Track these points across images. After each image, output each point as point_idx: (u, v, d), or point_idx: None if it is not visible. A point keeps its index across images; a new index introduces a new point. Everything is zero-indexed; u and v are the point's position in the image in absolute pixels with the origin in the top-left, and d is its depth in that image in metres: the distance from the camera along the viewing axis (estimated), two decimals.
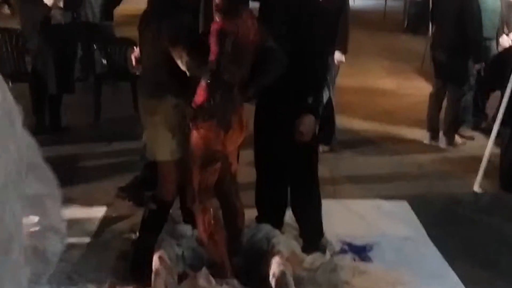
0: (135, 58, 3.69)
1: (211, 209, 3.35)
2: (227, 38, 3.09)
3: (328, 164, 5.34)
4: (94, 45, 7.01)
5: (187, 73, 3.19)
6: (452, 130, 6.13)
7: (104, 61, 6.99)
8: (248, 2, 3.52)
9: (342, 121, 6.31)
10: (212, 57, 3.08)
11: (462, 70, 5.92)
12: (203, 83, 3.16)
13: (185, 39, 3.19)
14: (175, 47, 3.17)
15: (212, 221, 3.34)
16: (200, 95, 3.17)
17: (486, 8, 6.05)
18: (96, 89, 6.83)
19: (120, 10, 7.76)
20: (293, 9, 3.56)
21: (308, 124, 3.59)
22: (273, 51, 3.32)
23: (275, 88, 3.43)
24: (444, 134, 6.14)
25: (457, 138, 6.17)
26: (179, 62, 3.18)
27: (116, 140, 6.05)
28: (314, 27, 3.60)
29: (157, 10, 3.35)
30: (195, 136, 3.24)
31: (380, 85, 8.86)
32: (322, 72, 3.86)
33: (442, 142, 6.14)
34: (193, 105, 3.18)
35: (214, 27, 3.12)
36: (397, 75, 9.50)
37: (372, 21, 16.27)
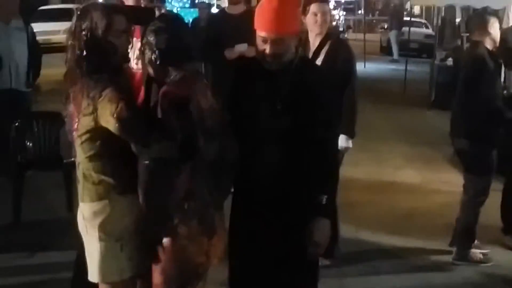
0: None
1: None
2: (190, 106, 3.29)
3: (329, 284, 5.41)
4: (16, 121, 7.18)
5: (147, 157, 3.34)
6: (464, 239, 6.30)
7: (29, 144, 7.15)
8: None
9: (347, 227, 6.47)
10: (181, 134, 3.25)
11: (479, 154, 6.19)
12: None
13: (132, 107, 3.36)
14: (120, 122, 3.30)
15: None
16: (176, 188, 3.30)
17: None
18: (17, 181, 6.96)
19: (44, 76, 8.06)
20: (281, 78, 3.74)
21: (324, 231, 3.72)
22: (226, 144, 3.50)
23: (263, 181, 3.62)
24: (455, 244, 6.32)
25: (475, 252, 6.30)
26: (133, 141, 3.35)
27: (41, 251, 6.14)
28: (320, 102, 3.77)
29: (88, 79, 3.42)
30: (168, 247, 3.35)
31: (399, 178, 9.11)
32: (334, 160, 4.03)
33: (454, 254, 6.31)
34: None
35: (168, 97, 3.32)
36: (421, 164, 9.79)
37: (389, 93, 16.77)
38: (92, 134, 3.42)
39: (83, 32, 3.42)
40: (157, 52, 3.45)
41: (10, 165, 7.09)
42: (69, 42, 3.48)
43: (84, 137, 3.45)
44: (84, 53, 3.41)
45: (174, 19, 3.70)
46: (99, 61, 3.42)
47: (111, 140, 3.37)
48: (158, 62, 3.46)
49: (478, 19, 6.48)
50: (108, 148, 3.42)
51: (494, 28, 6.12)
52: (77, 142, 3.49)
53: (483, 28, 6.13)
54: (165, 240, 3.39)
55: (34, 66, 8.09)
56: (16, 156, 7.06)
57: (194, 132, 3.29)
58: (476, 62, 6.14)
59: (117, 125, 3.31)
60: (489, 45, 6.10)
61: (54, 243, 6.16)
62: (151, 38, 3.46)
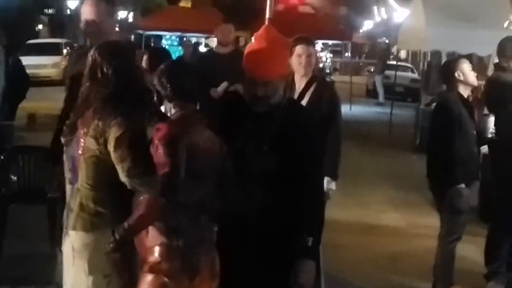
0: None
1: None
2: (179, 145, 3.33)
3: None
4: (1, 156, 7.19)
5: (127, 185, 3.40)
6: (443, 279, 6.33)
7: (14, 178, 7.15)
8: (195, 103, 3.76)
9: (331, 269, 6.44)
10: (164, 170, 3.29)
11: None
12: (148, 206, 3.34)
13: (136, 140, 3.42)
14: (118, 148, 3.38)
15: None
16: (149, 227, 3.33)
17: None
18: (0, 215, 6.92)
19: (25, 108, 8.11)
20: (268, 120, 3.78)
21: (310, 273, 3.74)
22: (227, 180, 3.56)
23: (248, 221, 3.64)
24: (437, 285, 6.33)
25: None
26: (119, 169, 3.38)
27: (22, 285, 6.12)
28: (306, 144, 3.82)
29: (105, 105, 3.53)
30: (147, 284, 3.35)
31: (383, 221, 9.14)
32: (320, 201, 4.03)
33: None
34: (139, 242, 3.34)
35: (160, 134, 3.37)
36: (405, 208, 9.81)
37: (374, 136, 16.86)
38: (97, 160, 3.47)
39: (114, 55, 3.56)
40: (155, 92, 3.59)
41: None
42: (91, 70, 3.58)
43: (89, 161, 3.50)
44: (113, 74, 3.53)
45: (175, 62, 3.82)
46: (126, 83, 3.55)
47: (115, 172, 3.41)
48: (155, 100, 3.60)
49: (444, 68, 6.68)
50: (111, 180, 3.45)
51: (463, 73, 6.20)
52: (82, 166, 3.53)
53: (451, 76, 6.25)
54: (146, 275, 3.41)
55: (13, 98, 8.11)
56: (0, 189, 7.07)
57: (177, 171, 3.32)
58: (440, 110, 6.37)
59: (113, 148, 3.39)
60: (462, 90, 6.21)
61: (35, 277, 6.12)
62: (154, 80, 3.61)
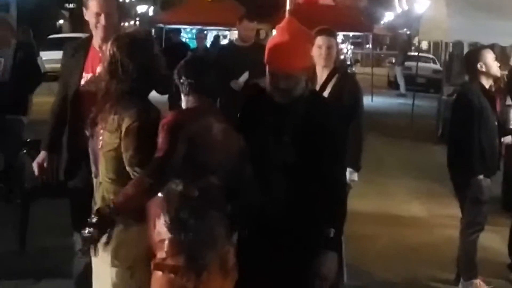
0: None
1: None
2: (180, 133, 3.34)
3: None
4: (24, 149, 7.23)
5: (130, 175, 3.44)
6: (466, 271, 6.30)
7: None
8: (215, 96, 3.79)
9: (353, 260, 6.45)
10: (158, 153, 3.32)
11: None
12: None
13: (144, 131, 3.45)
14: (126, 137, 3.43)
15: None
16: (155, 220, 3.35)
17: None
18: (23, 208, 6.97)
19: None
20: (290, 112, 3.79)
21: (332, 265, 3.75)
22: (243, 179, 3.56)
23: (270, 213, 3.63)
24: (461, 276, 6.32)
25: (480, 284, 6.28)
26: (124, 157, 3.43)
27: (46, 278, 6.18)
28: (328, 136, 3.81)
29: (121, 99, 3.57)
30: (154, 281, 3.38)
31: (405, 212, 9.13)
32: (342, 192, 4.03)
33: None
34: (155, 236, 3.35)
35: (164, 120, 3.41)
36: (428, 199, 9.81)
37: (396, 127, 16.81)
38: (115, 153, 3.50)
39: (133, 49, 3.58)
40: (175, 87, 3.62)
41: (16, 192, 7.12)
42: (111, 66, 3.59)
43: (108, 155, 3.53)
44: (134, 70, 3.56)
45: (195, 57, 3.84)
46: (146, 77, 3.59)
47: None
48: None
49: (466, 58, 6.60)
50: (130, 173, 3.46)
51: (486, 63, 6.15)
52: (101, 161, 3.56)
53: (473, 67, 6.19)
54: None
55: (20, 91, 8.14)
56: (22, 183, 7.09)
57: (171, 156, 3.33)
58: (460, 101, 6.32)
59: (122, 139, 3.44)
60: (484, 80, 6.16)
61: (59, 270, 6.15)
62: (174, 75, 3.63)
